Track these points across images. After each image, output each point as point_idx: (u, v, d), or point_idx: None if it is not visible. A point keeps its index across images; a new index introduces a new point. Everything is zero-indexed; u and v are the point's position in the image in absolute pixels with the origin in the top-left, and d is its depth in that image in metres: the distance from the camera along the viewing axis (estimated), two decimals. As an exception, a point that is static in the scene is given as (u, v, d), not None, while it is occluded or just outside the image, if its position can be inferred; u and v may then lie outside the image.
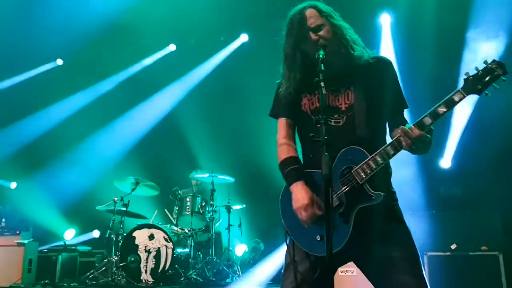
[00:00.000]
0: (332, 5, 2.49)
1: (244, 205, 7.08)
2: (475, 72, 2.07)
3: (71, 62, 9.04)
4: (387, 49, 7.38)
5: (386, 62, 2.40)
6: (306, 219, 2.22)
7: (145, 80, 8.75)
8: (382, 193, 2.14)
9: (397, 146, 2.14)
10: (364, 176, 2.16)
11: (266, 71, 7.69)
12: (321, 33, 2.30)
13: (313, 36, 2.30)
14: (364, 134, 2.24)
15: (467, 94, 2.08)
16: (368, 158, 2.17)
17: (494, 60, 2.05)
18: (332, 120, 2.29)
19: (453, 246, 5.26)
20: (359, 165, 2.18)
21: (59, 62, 9.11)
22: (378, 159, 2.15)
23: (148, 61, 8.87)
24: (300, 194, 2.26)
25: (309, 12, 2.32)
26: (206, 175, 6.63)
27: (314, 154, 2.17)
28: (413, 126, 2.10)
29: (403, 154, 2.42)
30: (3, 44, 8.05)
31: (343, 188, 2.20)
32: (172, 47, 8.85)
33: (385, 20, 7.53)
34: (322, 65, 2.13)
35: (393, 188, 2.37)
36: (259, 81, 7.87)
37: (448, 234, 5.41)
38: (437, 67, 6.63)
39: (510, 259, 5.00)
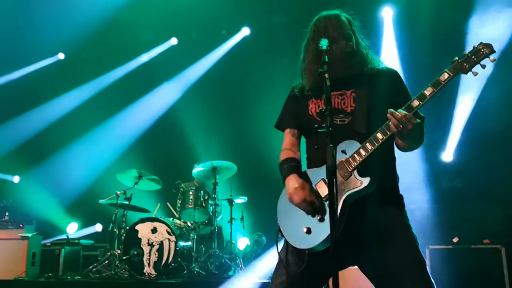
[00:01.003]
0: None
1: (246, 199, 7.09)
2: (463, 55, 2.12)
3: (72, 56, 9.06)
4: (389, 43, 7.37)
5: (391, 71, 2.49)
6: (299, 202, 2.25)
7: (147, 74, 8.74)
8: (368, 178, 2.16)
9: (385, 130, 2.17)
10: (353, 164, 2.20)
11: (268, 65, 7.76)
12: (350, 43, 2.41)
13: (342, 41, 2.39)
14: (364, 131, 2.27)
15: (454, 74, 2.11)
16: (359, 147, 2.21)
17: (481, 42, 2.10)
18: (338, 119, 2.36)
19: (455, 240, 5.26)
20: (350, 155, 2.22)
21: (61, 56, 9.12)
22: (368, 145, 2.19)
23: (149, 54, 8.86)
24: (291, 182, 2.34)
25: (343, 20, 2.45)
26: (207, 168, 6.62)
27: (319, 146, 2.21)
28: (400, 109, 2.14)
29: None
30: (5, 38, 8.05)
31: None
32: (173, 41, 8.84)
33: (387, 13, 7.52)
34: (326, 56, 2.15)
35: (395, 183, 2.39)
36: (261, 75, 7.90)
37: (450, 228, 5.41)
38: (439, 60, 6.62)
39: (512, 253, 5.00)
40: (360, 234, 2.21)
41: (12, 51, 8.39)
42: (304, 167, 2.50)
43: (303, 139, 2.63)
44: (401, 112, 2.11)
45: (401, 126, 2.10)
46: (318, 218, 2.22)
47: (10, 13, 7.83)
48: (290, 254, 2.33)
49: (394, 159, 2.44)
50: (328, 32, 2.38)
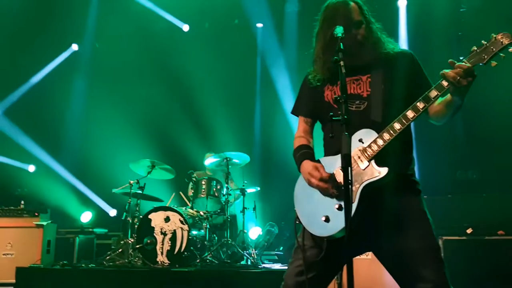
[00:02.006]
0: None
1: (259, 188, 7.10)
2: (481, 45, 2.08)
3: (85, 47, 9.09)
4: (403, 32, 7.31)
5: (407, 54, 2.47)
6: (317, 181, 2.25)
7: (159, 63, 8.74)
8: (386, 168, 2.16)
9: (402, 120, 2.18)
10: (371, 153, 2.20)
11: (282, 54, 7.72)
12: (360, 30, 2.37)
13: (353, 30, 2.36)
14: (379, 119, 2.27)
15: (472, 64, 2.07)
16: (376, 137, 2.21)
17: (500, 32, 2.06)
18: (354, 106, 2.35)
19: (469, 231, 5.22)
20: (367, 144, 2.22)
21: (75, 47, 9.16)
22: (385, 135, 2.19)
23: (160, 43, 8.85)
24: (306, 166, 2.35)
25: (353, 6, 2.39)
26: (219, 159, 6.62)
27: (333, 135, 2.20)
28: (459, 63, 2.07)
29: (416, 140, 2.44)
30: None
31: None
32: (185, 28, 8.82)
33: (402, 3, 7.48)
34: (341, 44, 2.12)
35: (411, 169, 2.38)
36: (274, 65, 7.87)
37: (464, 218, 5.37)
38: (450, 51, 6.55)
39: (527, 244, 4.95)
40: (377, 221, 2.22)
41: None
42: (319, 155, 2.49)
43: (317, 127, 2.62)
44: (461, 64, 2.06)
45: (459, 78, 2.05)
46: (337, 207, 2.22)
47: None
48: (306, 240, 2.35)
49: (411, 144, 2.43)
50: (338, 20, 2.34)
